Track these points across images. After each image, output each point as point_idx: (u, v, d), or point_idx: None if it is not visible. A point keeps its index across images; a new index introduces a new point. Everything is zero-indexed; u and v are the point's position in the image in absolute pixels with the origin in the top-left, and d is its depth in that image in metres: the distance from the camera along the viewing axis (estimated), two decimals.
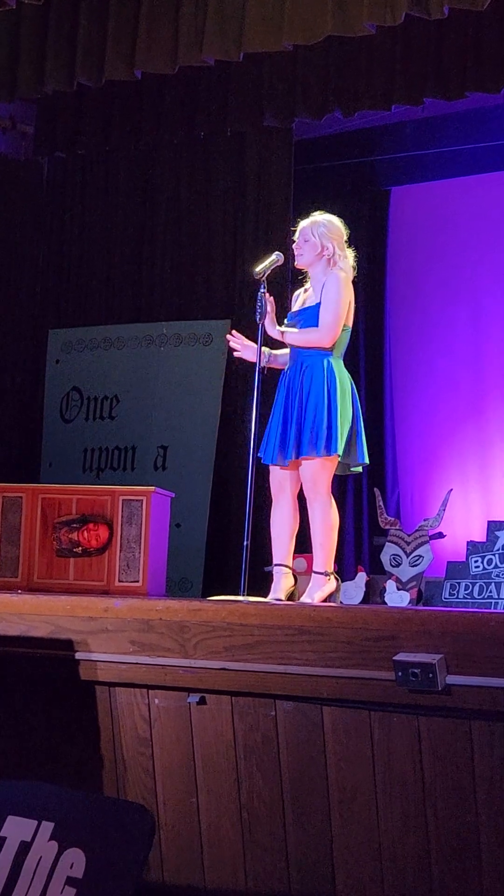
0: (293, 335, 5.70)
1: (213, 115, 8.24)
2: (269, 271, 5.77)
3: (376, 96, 7.59)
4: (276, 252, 5.81)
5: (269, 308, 5.75)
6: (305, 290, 5.83)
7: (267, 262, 5.79)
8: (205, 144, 8.66)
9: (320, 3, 6.22)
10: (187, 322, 8.59)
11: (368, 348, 8.78)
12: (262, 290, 5.75)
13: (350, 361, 8.50)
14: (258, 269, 5.75)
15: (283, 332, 5.74)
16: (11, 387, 9.00)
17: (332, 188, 8.68)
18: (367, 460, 5.77)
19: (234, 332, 5.93)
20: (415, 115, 8.08)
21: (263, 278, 5.75)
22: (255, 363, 5.77)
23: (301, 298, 5.83)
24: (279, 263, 5.84)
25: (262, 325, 5.75)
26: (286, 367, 5.79)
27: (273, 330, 5.75)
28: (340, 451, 5.59)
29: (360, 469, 5.91)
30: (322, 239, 5.71)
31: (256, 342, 5.77)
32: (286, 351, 5.80)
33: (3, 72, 7.37)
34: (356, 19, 6.17)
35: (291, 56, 7.44)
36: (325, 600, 5.65)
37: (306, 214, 5.87)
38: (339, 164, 8.83)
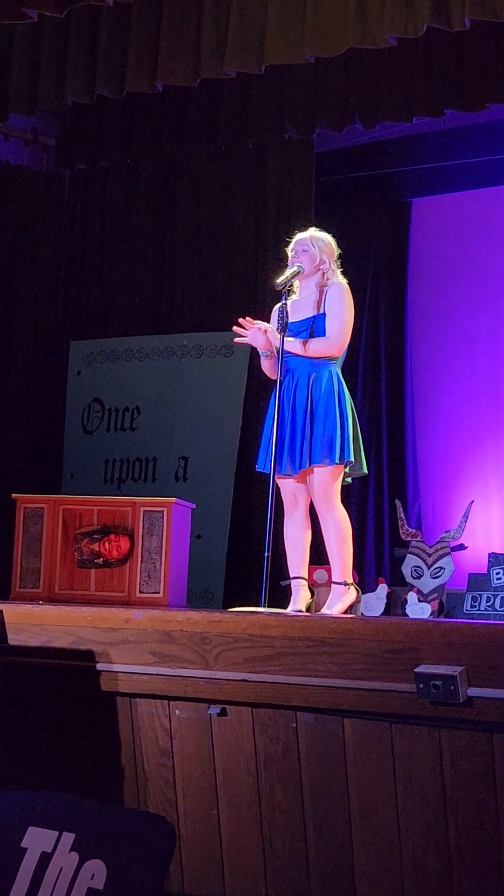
0: (301, 349, 5.68)
1: (234, 127, 8.25)
2: (290, 283, 5.76)
3: (397, 108, 7.59)
4: (298, 264, 5.81)
5: (288, 319, 5.74)
6: (291, 304, 5.80)
7: (288, 273, 5.79)
8: (226, 156, 8.68)
9: (341, 15, 6.22)
10: (208, 333, 8.60)
11: (389, 360, 8.77)
12: (283, 302, 5.75)
13: (371, 373, 8.56)
14: (279, 280, 5.75)
15: (291, 343, 5.71)
16: (33, 398, 9.02)
17: (353, 200, 8.69)
18: (365, 470, 5.78)
19: (240, 320, 5.87)
20: (436, 126, 8.08)
21: (284, 290, 5.75)
22: (277, 374, 5.76)
23: (289, 309, 5.78)
24: (300, 275, 5.84)
25: (283, 337, 5.74)
26: (281, 376, 5.75)
27: (276, 341, 5.72)
28: (353, 457, 5.61)
29: (349, 480, 5.91)
30: (321, 252, 5.75)
31: (278, 355, 5.76)
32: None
33: (25, 85, 7.41)
34: (377, 31, 6.17)
35: (312, 68, 7.45)
36: (345, 611, 5.65)
37: (327, 226, 5.87)
38: (359, 175, 8.83)
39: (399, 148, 8.61)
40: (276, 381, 5.72)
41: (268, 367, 5.81)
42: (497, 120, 7.99)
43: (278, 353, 5.70)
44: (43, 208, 9.13)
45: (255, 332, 5.78)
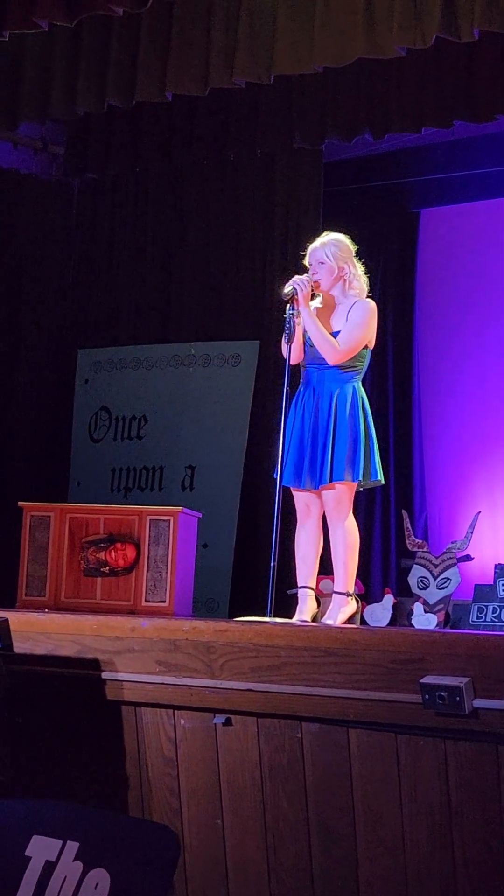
0: (316, 331, 5.64)
1: (242, 136, 8.27)
2: (299, 293, 5.75)
3: (406, 118, 7.60)
4: (307, 275, 5.80)
5: (297, 330, 5.74)
6: (316, 309, 5.79)
7: (287, 289, 5.76)
8: (234, 166, 8.69)
9: (350, 25, 6.24)
10: (216, 343, 8.61)
11: (397, 370, 8.77)
12: (290, 312, 5.74)
13: (378, 383, 8.55)
14: (286, 290, 5.75)
15: (312, 313, 5.68)
16: (41, 406, 9.03)
17: (362, 210, 8.70)
18: (382, 479, 5.77)
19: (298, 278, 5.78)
20: (444, 137, 8.08)
21: (291, 299, 5.74)
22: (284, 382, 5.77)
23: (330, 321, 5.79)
24: (310, 286, 5.82)
25: (289, 347, 5.74)
26: (301, 388, 5.76)
27: (306, 309, 5.69)
28: (380, 476, 5.62)
29: (361, 488, 5.92)
30: (337, 261, 5.72)
31: (283, 365, 5.77)
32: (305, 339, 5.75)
33: (36, 94, 7.43)
34: (386, 42, 6.18)
35: (321, 78, 7.46)
36: (346, 622, 5.64)
37: None
38: (368, 186, 8.84)
39: (408, 158, 8.61)
40: (297, 392, 5.74)
41: (286, 349, 5.75)
42: None
43: (286, 359, 5.71)
44: (51, 216, 9.15)
45: (305, 282, 5.73)
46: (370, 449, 5.62)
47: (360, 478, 5.58)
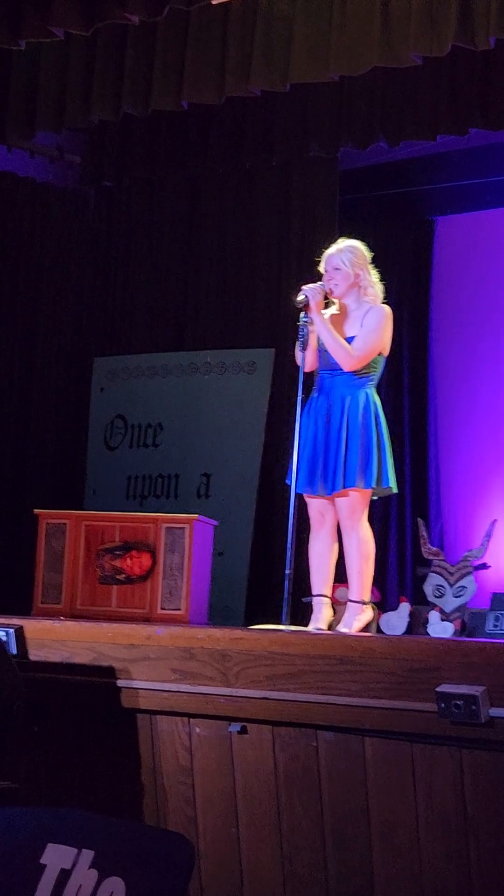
0: (330, 338, 5.64)
1: (258, 144, 8.27)
2: (311, 301, 5.74)
3: (421, 126, 7.59)
4: (319, 283, 5.80)
5: (311, 338, 5.74)
6: (332, 316, 5.79)
7: (301, 298, 5.76)
8: (250, 174, 8.69)
9: (366, 33, 6.24)
10: (231, 350, 8.61)
11: (413, 379, 8.77)
12: (303, 319, 5.74)
13: (394, 391, 8.54)
14: (299, 298, 5.75)
15: (325, 321, 5.68)
16: (57, 414, 9.05)
17: (377, 218, 8.70)
18: (394, 487, 5.75)
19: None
20: (460, 144, 8.07)
21: (304, 307, 5.74)
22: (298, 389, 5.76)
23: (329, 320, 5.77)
24: (322, 294, 5.82)
25: (303, 354, 5.74)
26: (314, 394, 5.76)
27: (318, 316, 5.69)
28: (392, 484, 5.60)
29: (376, 497, 5.91)
30: (353, 267, 5.71)
31: (298, 373, 5.77)
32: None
33: (51, 102, 7.44)
34: (402, 50, 6.18)
35: (337, 86, 7.45)
36: (362, 630, 5.63)
37: None
38: (383, 193, 8.84)
39: (423, 166, 8.61)
40: (310, 398, 5.74)
41: (300, 357, 5.75)
42: None
43: (300, 367, 5.71)
44: (68, 225, 9.16)
45: (317, 290, 5.73)
46: (382, 456, 5.60)
47: (374, 484, 5.57)
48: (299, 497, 5.72)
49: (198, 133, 8.42)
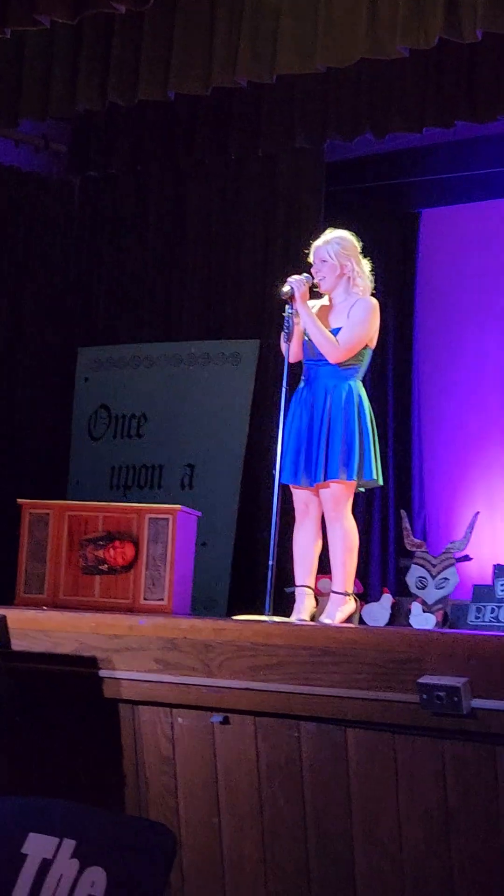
0: (315, 329, 5.64)
1: (244, 135, 8.26)
2: (296, 292, 5.74)
3: (408, 118, 7.59)
4: (305, 274, 5.80)
5: (295, 329, 5.74)
6: (322, 307, 5.80)
7: (285, 290, 5.76)
8: (236, 165, 8.68)
9: (353, 25, 6.23)
10: (216, 342, 8.60)
11: (397, 371, 8.77)
12: (288, 311, 5.74)
13: (378, 383, 8.55)
14: (284, 289, 5.75)
15: (310, 312, 5.68)
16: (40, 404, 9.03)
17: (363, 210, 8.69)
18: (381, 482, 5.76)
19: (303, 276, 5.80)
20: (446, 137, 8.07)
21: (289, 299, 5.74)
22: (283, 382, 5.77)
23: (318, 313, 5.77)
24: (308, 285, 5.82)
25: (288, 346, 5.75)
26: (301, 384, 5.77)
27: (303, 307, 5.69)
28: (377, 476, 5.60)
29: (363, 489, 5.92)
30: (339, 259, 5.70)
31: (282, 364, 5.77)
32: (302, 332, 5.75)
33: (37, 91, 7.41)
34: (389, 42, 6.18)
35: (323, 78, 7.45)
36: (345, 621, 5.64)
37: None
38: (369, 186, 8.84)
39: (409, 159, 8.61)
40: (296, 389, 5.74)
41: (285, 348, 5.76)
42: None
43: (285, 358, 5.72)
44: (53, 214, 9.14)
45: (302, 281, 5.72)
46: (364, 447, 5.59)
47: (356, 476, 5.57)
48: (284, 488, 5.72)
49: (184, 124, 8.41)
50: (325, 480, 5.59)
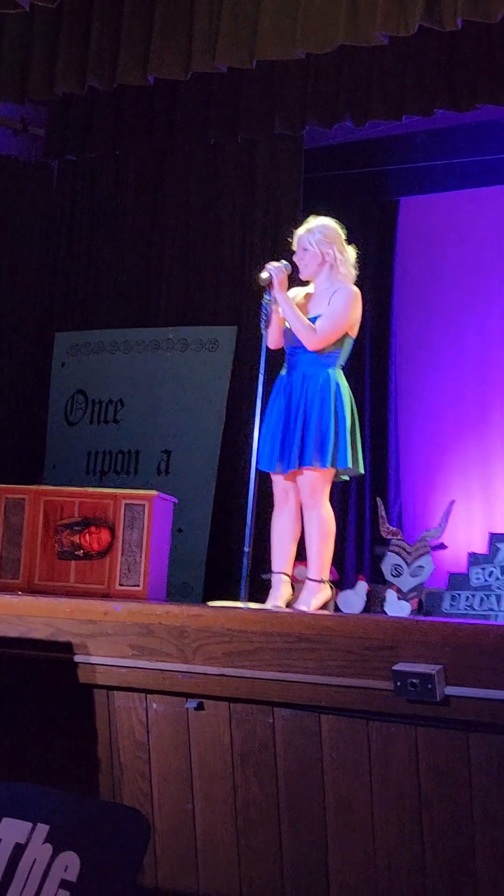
0: (293, 317, 5.64)
1: (224, 121, 8.24)
2: (275, 279, 5.73)
3: (387, 106, 7.59)
4: (283, 261, 5.80)
5: (274, 317, 5.74)
6: (306, 295, 5.80)
7: (263, 277, 5.76)
8: (215, 151, 8.67)
9: (333, 12, 6.22)
10: (194, 328, 8.59)
11: (374, 358, 8.78)
12: (266, 298, 5.74)
13: (355, 371, 8.51)
14: (262, 276, 5.74)
15: (288, 299, 5.68)
16: (17, 388, 9.01)
17: (342, 197, 8.68)
18: (362, 470, 5.77)
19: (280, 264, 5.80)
20: (425, 125, 8.08)
21: (268, 285, 5.73)
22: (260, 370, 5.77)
23: (301, 300, 5.78)
24: (286, 273, 5.81)
25: (266, 332, 5.75)
26: (283, 371, 5.78)
27: (281, 294, 5.68)
28: (350, 464, 5.60)
29: (346, 478, 5.93)
30: (320, 246, 5.69)
31: (260, 351, 5.77)
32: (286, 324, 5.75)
33: (15, 74, 7.38)
34: (369, 29, 6.17)
35: (303, 64, 7.44)
36: (320, 608, 5.65)
37: None
38: (348, 173, 8.83)
39: (388, 146, 8.61)
40: (279, 376, 5.74)
41: (265, 334, 5.76)
42: (487, 121, 8.00)
43: (262, 344, 5.72)
44: (31, 198, 9.11)
45: (280, 268, 5.72)
46: (340, 436, 5.58)
47: (329, 464, 5.56)
48: (260, 475, 5.72)
49: (163, 108, 8.39)
50: (299, 467, 5.60)
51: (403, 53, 7.30)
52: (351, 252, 5.76)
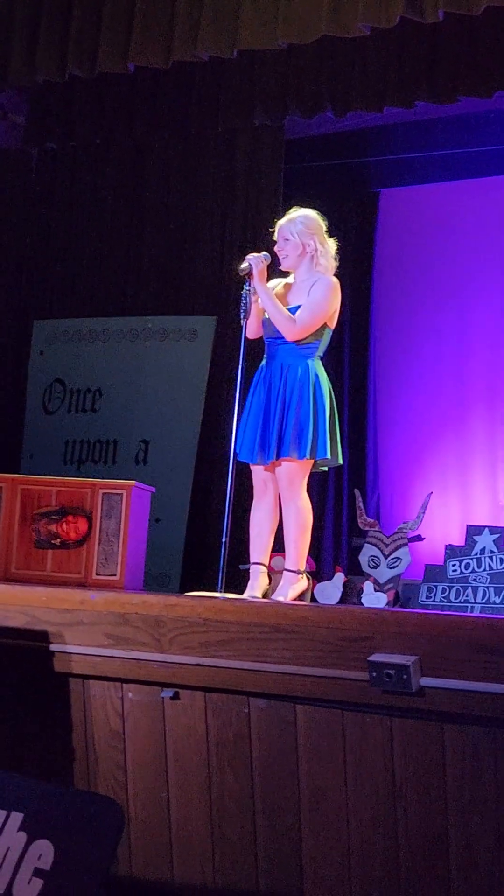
0: (272, 307, 5.64)
1: (204, 111, 8.23)
2: (254, 269, 5.73)
3: (368, 98, 7.59)
4: (264, 252, 5.79)
5: (253, 307, 5.73)
6: (285, 285, 5.80)
7: (243, 266, 5.75)
8: (196, 140, 8.65)
9: (316, 2, 6.21)
10: (173, 317, 8.58)
11: (353, 350, 8.79)
12: (246, 288, 5.73)
13: (334, 363, 8.56)
14: (242, 266, 5.74)
15: (267, 290, 5.67)
16: None
17: (322, 188, 8.68)
18: (340, 461, 5.78)
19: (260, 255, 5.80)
20: (406, 117, 8.08)
21: (247, 275, 5.73)
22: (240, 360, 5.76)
23: (281, 291, 5.77)
24: (265, 263, 5.81)
25: (245, 322, 5.74)
26: (263, 362, 5.77)
27: (261, 284, 5.68)
28: (329, 455, 5.60)
29: (325, 468, 5.94)
30: (302, 237, 5.69)
31: (239, 341, 5.77)
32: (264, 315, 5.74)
33: None
34: (351, 20, 6.17)
35: (285, 55, 7.44)
36: (297, 599, 5.66)
37: None
38: (328, 164, 8.83)
39: (369, 138, 8.61)
40: (258, 367, 5.73)
41: (245, 324, 5.75)
42: (467, 114, 8.02)
43: (241, 335, 5.71)
44: (10, 186, 9.08)
45: (260, 258, 5.72)
46: (319, 427, 5.58)
47: (308, 455, 5.57)
48: (238, 465, 5.72)
49: (144, 97, 8.37)
50: (278, 458, 5.60)
51: (385, 45, 7.30)
52: (331, 244, 5.76)
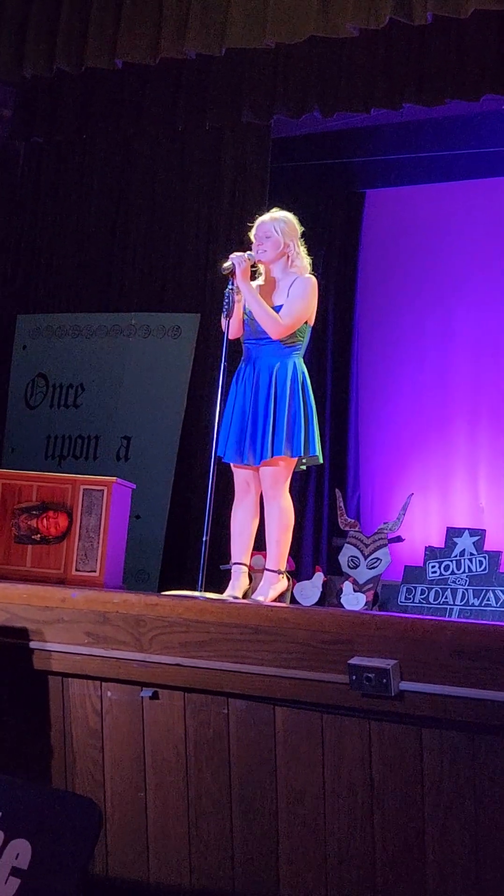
0: (257, 306, 5.64)
1: (192, 108, 8.22)
2: (238, 269, 5.73)
3: (356, 98, 7.59)
4: (248, 251, 5.79)
5: (236, 306, 5.73)
6: (258, 287, 5.79)
7: (227, 265, 5.75)
8: (183, 138, 8.64)
9: (304, 2, 6.22)
10: (157, 314, 8.57)
11: (336, 350, 8.80)
12: (229, 287, 5.73)
13: (317, 363, 8.57)
14: (226, 265, 5.74)
15: (252, 289, 5.68)
16: None
17: (308, 187, 8.70)
18: (321, 459, 5.79)
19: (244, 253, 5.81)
20: (393, 118, 8.09)
21: (230, 275, 5.73)
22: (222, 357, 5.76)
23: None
24: (249, 262, 5.80)
25: (228, 321, 5.74)
26: (242, 364, 5.77)
27: (245, 284, 5.68)
28: (318, 452, 5.63)
29: (305, 467, 5.95)
30: (284, 236, 5.71)
31: (222, 339, 5.77)
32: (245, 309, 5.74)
33: None
34: (339, 20, 6.18)
35: (273, 54, 7.43)
36: (276, 599, 5.67)
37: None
38: (315, 163, 8.83)
39: (355, 138, 8.62)
40: (238, 367, 5.72)
41: (225, 324, 5.76)
42: (453, 116, 8.03)
43: (225, 334, 5.71)
44: None
45: (244, 258, 5.72)
46: (309, 425, 5.63)
47: (301, 453, 5.59)
48: (219, 463, 5.72)
49: (132, 94, 8.35)
50: (272, 457, 5.60)
51: (373, 46, 7.30)
52: (303, 251, 5.79)
